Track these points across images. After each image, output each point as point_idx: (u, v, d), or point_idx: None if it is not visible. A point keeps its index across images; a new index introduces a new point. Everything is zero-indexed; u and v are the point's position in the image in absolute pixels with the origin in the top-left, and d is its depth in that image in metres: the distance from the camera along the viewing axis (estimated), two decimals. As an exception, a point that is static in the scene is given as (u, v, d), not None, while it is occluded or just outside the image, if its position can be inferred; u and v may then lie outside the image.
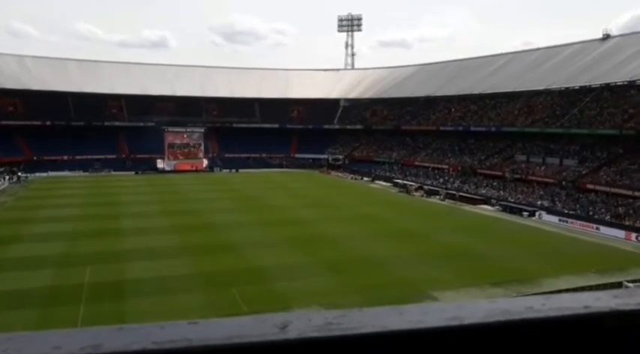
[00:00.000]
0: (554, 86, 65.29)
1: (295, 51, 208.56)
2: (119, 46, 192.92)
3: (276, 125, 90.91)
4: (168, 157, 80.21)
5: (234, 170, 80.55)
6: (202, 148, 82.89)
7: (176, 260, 29.01)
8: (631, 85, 57.39)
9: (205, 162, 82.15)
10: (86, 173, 73.88)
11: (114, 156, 79.90)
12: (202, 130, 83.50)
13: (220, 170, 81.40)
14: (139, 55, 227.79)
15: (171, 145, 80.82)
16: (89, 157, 76.58)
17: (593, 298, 0.96)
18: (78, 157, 75.98)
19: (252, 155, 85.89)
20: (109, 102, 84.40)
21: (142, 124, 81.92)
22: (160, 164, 79.05)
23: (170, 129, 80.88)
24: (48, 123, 77.51)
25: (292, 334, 0.80)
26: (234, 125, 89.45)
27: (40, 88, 77.16)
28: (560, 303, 0.93)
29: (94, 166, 76.15)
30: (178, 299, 22.63)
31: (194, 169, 79.70)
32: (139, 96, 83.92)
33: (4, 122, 73.89)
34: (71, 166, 74.61)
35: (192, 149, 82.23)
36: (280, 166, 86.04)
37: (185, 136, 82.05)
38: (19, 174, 67.51)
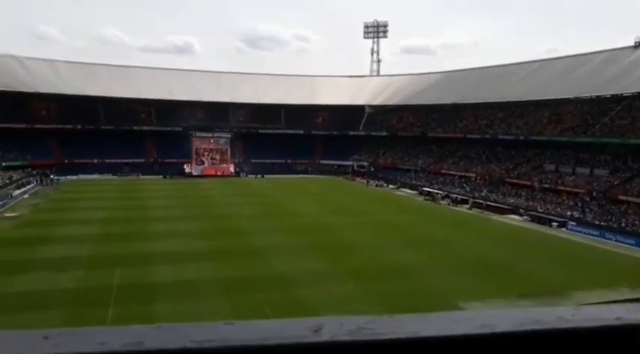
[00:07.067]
0: (584, 94, 64.14)
1: (318, 57, 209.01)
2: (142, 51, 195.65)
3: (302, 131, 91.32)
4: (196, 162, 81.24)
5: (259, 176, 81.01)
6: (229, 153, 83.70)
7: (202, 264, 29.25)
8: (664, 94, 56.14)
9: (232, 167, 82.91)
10: (115, 177, 75.26)
11: (142, 160, 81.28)
12: (229, 135, 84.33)
13: (246, 175, 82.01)
14: (164, 60, 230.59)
15: (199, 150, 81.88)
16: (118, 160, 77.98)
17: (625, 310, 0.96)
18: (107, 161, 77.43)
19: (278, 161, 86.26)
20: (138, 107, 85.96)
21: (169, 128, 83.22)
22: (187, 169, 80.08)
23: (197, 134, 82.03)
24: (79, 127, 79.33)
25: (325, 336, 0.83)
26: (260, 131, 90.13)
27: (72, 92, 78.83)
28: (592, 314, 0.93)
29: (123, 169, 77.47)
30: (204, 303, 22.74)
31: (221, 174, 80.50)
32: (167, 101, 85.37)
33: (37, 125, 75.69)
34: (101, 169, 76.10)
35: (220, 154, 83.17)
36: (305, 172, 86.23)
37: (212, 141, 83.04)
38: (52, 176, 69.16)
